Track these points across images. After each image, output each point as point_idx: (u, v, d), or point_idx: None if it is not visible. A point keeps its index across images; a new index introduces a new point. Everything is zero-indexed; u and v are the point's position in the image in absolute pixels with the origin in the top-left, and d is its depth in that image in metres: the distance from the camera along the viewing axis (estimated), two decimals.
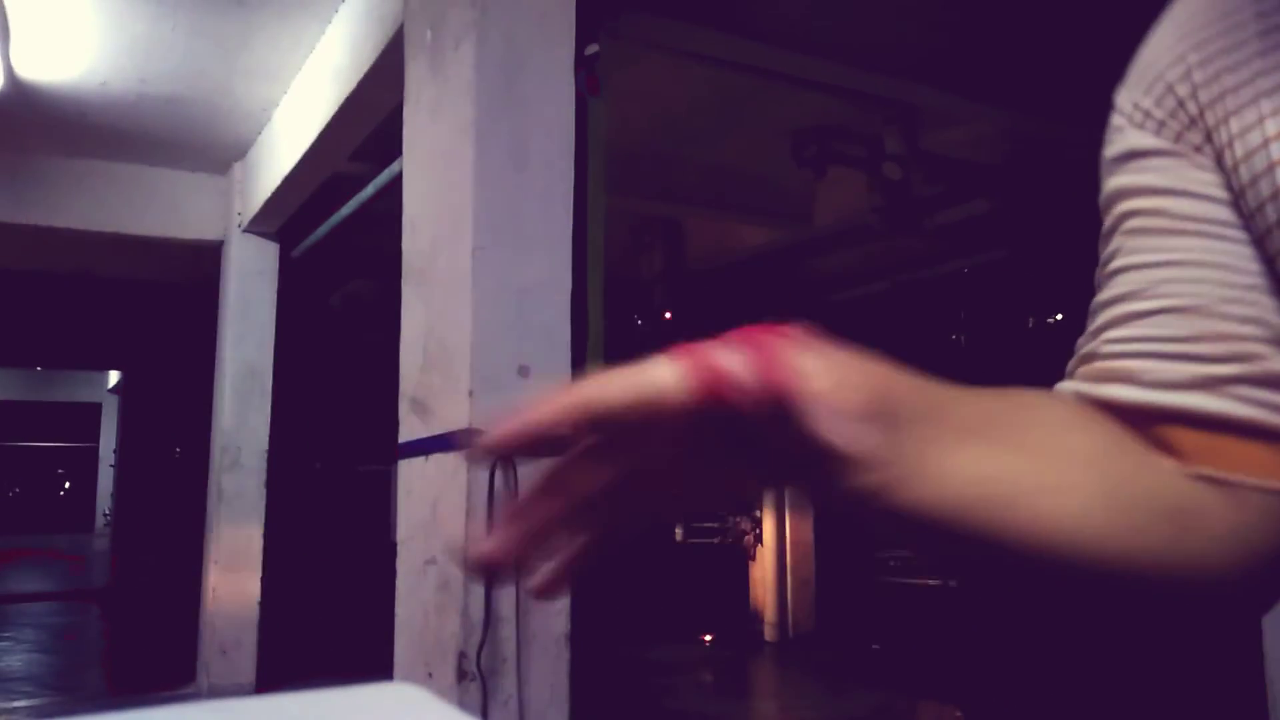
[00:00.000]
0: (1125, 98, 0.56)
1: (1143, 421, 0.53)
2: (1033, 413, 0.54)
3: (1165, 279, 0.53)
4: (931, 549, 0.53)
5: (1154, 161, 0.54)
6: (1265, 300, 0.51)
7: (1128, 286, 0.54)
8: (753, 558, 8.09)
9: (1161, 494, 0.52)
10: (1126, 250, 0.55)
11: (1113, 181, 0.56)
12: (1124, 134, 0.56)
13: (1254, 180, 0.51)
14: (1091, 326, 0.56)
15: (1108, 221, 0.56)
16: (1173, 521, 0.52)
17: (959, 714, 5.38)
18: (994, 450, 0.51)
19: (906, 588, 9.44)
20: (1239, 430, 0.51)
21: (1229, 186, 0.52)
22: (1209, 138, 0.53)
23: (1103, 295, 0.56)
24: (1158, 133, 0.54)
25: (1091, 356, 0.55)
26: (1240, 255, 0.52)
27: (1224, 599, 0.54)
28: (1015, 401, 0.54)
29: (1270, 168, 0.50)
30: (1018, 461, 0.51)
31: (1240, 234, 0.52)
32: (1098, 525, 0.51)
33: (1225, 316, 0.51)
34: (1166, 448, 0.53)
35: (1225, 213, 0.52)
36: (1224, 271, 0.52)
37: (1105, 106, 0.59)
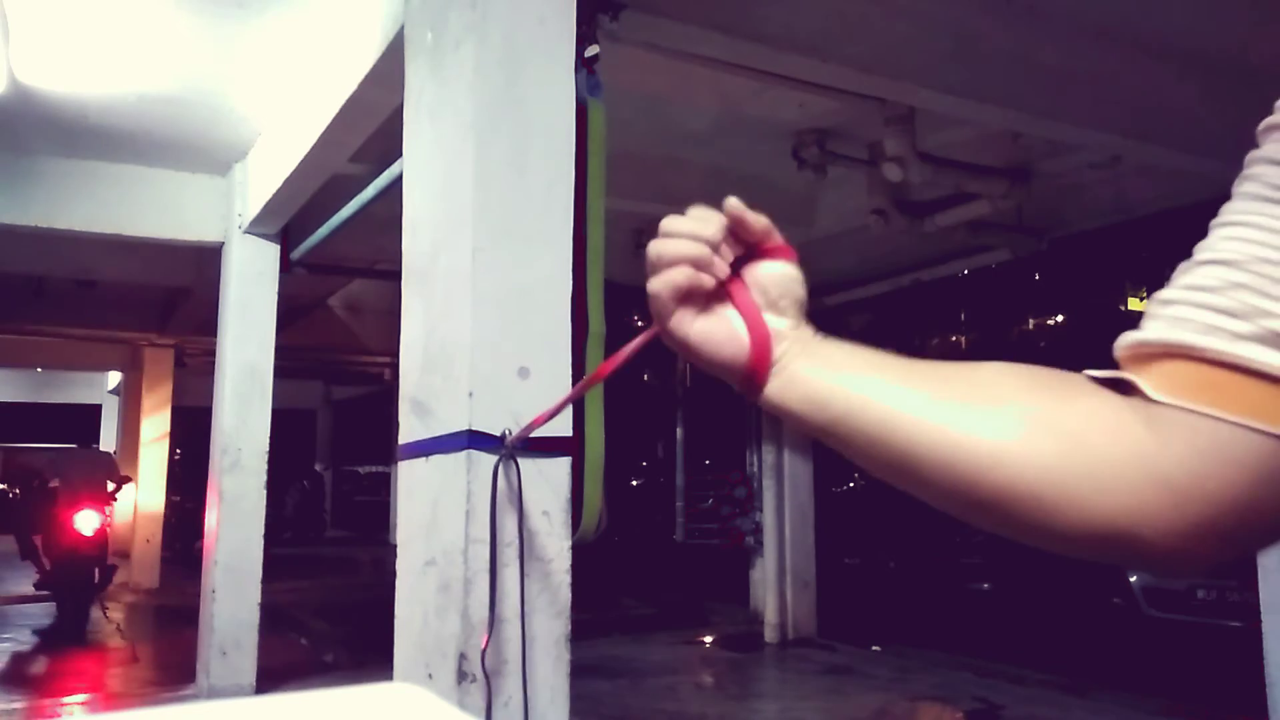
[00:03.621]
0: None
1: (1156, 356, 0.59)
2: (957, 365, 0.65)
3: (1226, 235, 0.59)
4: (837, 448, 0.66)
5: (1276, 135, 0.61)
6: None
7: (1207, 239, 0.61)
8: (752, 558, 8.09)
9: (1063, 415, 0.59)
10: (1224, 209, 0.61)
11: (1254, 151, 0.63)
12: (1276, 112, 0.62)
13: None
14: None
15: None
16: (1067, 439, 0.58)
17: (960, 714, 5.38)
18: (897, 381, 0.64)
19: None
20: (1232, 368, 0.55)
21: None
22: None
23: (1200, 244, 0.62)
24: None
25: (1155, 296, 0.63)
26: None
27: (1135, 532, 0.57)
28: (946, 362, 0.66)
29: None
30: (912, 385, 0.63)
31: None
32: (977, 431, 0.60)
33: (1258, 274, 0.56)
34: (1166, 380, 0.57)
35: None
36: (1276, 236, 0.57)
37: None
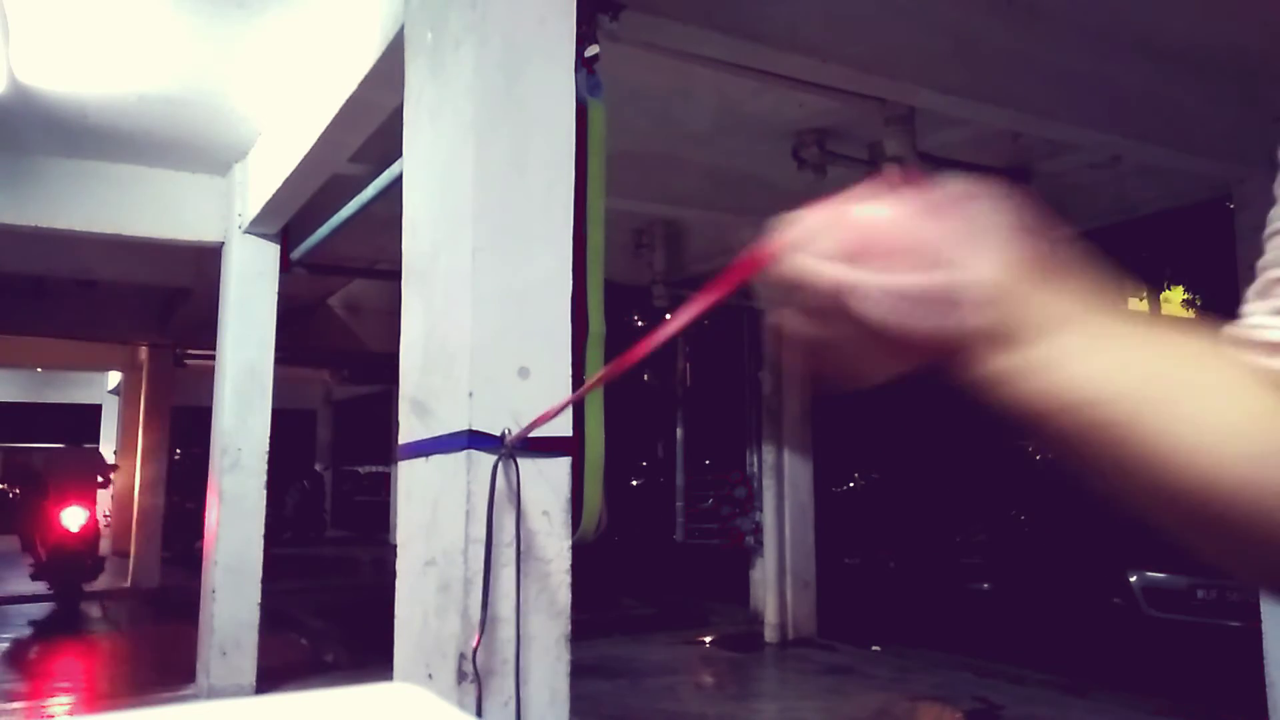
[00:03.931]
0: None
1: None
2: (1193, 350, 0.56)
3: None
4: (1065, 437, 0.55)
5: None
6: None
7: (1274, 253, 0.56)
8: (752, 558, 8.09)
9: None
10: (1275, 216, 0.56)
11: None
12: None
13: None
14: (1250, 289, 0.58)
15: None
16: None
17: (960, 714, 5.38)
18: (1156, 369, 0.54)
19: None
20: None
21: None
22: None
23: (1262, 260, 0.57)
24: None
25: (1237, 321, 0.57)
26: None
27: None
28: (1181, 339, 0.56)
29: None
30: (1177, 383, 0.53)
31: None
32: (1226, 448, 0.51)
33: None
34: None
35: None
36: None
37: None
